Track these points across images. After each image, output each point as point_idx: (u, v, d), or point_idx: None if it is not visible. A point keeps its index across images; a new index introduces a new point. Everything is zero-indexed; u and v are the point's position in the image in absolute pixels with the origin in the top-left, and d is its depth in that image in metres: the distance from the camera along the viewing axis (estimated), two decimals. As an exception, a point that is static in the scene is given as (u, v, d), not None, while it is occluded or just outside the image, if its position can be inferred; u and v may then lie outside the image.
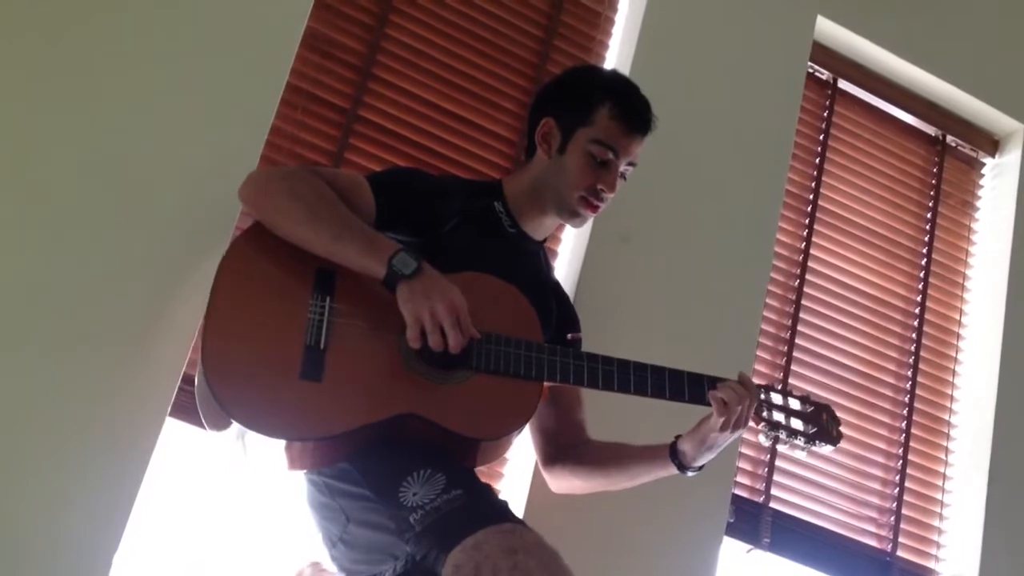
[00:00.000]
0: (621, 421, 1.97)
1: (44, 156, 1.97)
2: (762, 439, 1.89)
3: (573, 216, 2.00)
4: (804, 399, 1.91)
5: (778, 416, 1.87)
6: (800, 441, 1.87)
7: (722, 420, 1.77)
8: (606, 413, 2.02)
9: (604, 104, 1.96)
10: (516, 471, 2.24)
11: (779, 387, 1.93)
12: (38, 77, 2.00)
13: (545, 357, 1.76)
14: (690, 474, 1.88)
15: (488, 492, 1.64)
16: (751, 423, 1.85)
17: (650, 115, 2.00)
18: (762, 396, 1.87)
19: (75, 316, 1.91)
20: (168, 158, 2.04)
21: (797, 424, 1.87)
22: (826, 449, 1.89)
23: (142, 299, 1.96)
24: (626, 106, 1.97)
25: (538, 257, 2.08)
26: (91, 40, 2.05)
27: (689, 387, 1.81)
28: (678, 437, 1.87)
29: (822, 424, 1.89)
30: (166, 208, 2.02)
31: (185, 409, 1.99)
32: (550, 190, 1.99)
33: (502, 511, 1.55)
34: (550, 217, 2.03)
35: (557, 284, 2.13)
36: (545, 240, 2.11)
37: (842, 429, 1.92)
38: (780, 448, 1.91)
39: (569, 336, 2.03)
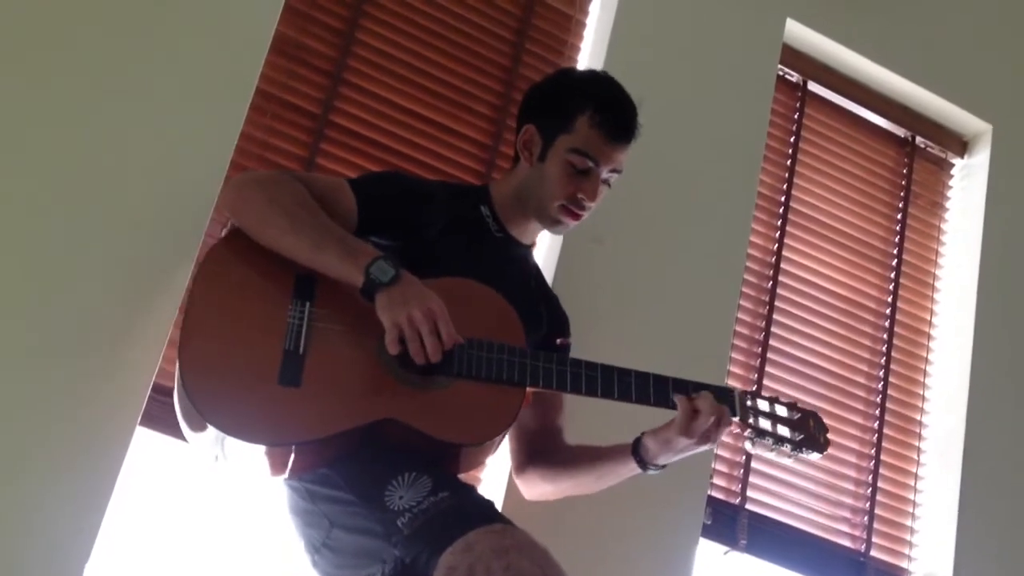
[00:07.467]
0: (605, 426, 1.96)
1: (8, 162, 1.94)
2: (748, 446, 1.86)
3: (554, 224, 1.99)
4: (791, 406, 1.87)
5: (765, 423, 1.84)
6: (787, 448, 1.83)
7: (683, 424, 1.74)
8: (590, 418, 2.00)
9: (584, 112, 1.93)
10: (492, 477, 2.23)
11: (766, 394, 1.90)
12: (2, 82, 1.97)
13: (528, 362, 1.74)
14: (651, 472, 1.86)
15: (474, 493, 1.64)
16: (736, 429, 1.83)
17: (634, 123, 1.95)
18: (748, 403, 1.84)
19: (43, 324, 1.89)
20: (137, 164, 2.02)
21: (784, 431, 1.84)
22: (813, 456, 1.86)
23: (111, 307, 1.93)
24: (607, 114, 1.93)
25: (526, 261, 2.07)
26: (57, 46, 2.03)
27: (675, 393, 1.78)
28: (644, 434, 1.85)
29: (809, 431, 1.85)
30: (135, 215, 1.99)
31: (156, 418, 1.97)
32: (532, 198, 1.97)
33: (490, 511, 1.56)
34: (534, 223, 2.01)
35: (547, 288, 2.11)
36: (533, 244, 2.09)
37: None
38: (767, 455, 1.87)
39: (558, 341, 2.01)
